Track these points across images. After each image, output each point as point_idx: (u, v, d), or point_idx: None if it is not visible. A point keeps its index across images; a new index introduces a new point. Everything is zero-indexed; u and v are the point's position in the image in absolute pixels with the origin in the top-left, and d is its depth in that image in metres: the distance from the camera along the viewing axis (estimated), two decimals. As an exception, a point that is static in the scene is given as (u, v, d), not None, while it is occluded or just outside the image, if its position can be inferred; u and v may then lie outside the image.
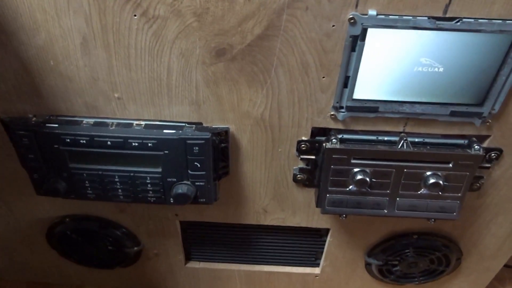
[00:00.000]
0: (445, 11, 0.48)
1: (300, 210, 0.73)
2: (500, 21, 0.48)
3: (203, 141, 0.58)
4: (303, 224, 0.76)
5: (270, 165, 0.66)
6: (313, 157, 0.64)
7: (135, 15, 0.50)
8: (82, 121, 0.61)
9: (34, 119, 0.60)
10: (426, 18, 0.48)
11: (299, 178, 0.67)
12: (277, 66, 0.54)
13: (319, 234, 0.81)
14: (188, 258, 0.88)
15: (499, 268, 0.84)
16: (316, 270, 0.88)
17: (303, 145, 0.62)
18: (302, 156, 0.64)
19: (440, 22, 0.48)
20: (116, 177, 0.62)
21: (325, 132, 0.62)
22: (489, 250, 0.79)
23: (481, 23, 0.48)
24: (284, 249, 0.85)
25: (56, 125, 0.59)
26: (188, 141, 0.58)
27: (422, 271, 0.83)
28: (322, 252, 0.84)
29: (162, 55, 0.53)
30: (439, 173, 0.61)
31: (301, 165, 0.66)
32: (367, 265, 0.84)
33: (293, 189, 0.69)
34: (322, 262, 0.85)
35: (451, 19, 0.48)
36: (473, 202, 0.70)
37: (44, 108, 0.60)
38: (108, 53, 0.54)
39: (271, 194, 0.70)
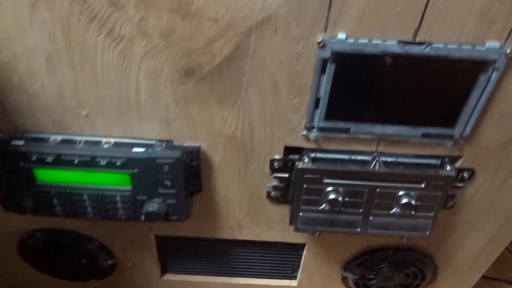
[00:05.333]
0: (415, 35, 0.47)
1: (275, 226, 0.72)
2: (470, 46, 0.47)
3: (173, 160, 0.57)
4: (279, 239, 0.75)
5: (243, 182, 0.65)
6: (286, 175, 0.63)
7: (100, 34, 0.49)
8: (49, 138, 0.59)
9: (-1, 135, 0.59)
10: (395, 42, 0.47)
11: (273, 195, 0.66)
12: (247, 86, 0.53)
13: (296, 248, 0.81)
14: (164, 271, 0.87)
15: (475, 281, 0.84)
16: (294, 283, 0.87)
17: (275, 164, 0.62)
18: (275, 174, 0.63)
19: (409, 46, 0.47)
20: (85, 195, 0.61)
21: (299, 150, 0.61)
22: (464, 264, 0.80)
23: (450, 49, 0.47)
24: (261, 262, 0.84)
25: (22, 142, 0.58)
26: (158, 160, 0.57)
27: (398, 285, 0.83)
28: (299, 265, 0.84)
29: (129, 73, 0.52)
30: (412, 193, 0.61)
31: (275, 182, 0.65)
32: (344, 279, 0.84)
33: (267, 206, 0.69)
34: (299, 275, 0.84)
35: (420, 43, 0.48)
36: (447, 219, 0.70)
37: (9, 124, 0.58)
38: (74, 70, 0.52)
39: (246, 209, 0.69)
